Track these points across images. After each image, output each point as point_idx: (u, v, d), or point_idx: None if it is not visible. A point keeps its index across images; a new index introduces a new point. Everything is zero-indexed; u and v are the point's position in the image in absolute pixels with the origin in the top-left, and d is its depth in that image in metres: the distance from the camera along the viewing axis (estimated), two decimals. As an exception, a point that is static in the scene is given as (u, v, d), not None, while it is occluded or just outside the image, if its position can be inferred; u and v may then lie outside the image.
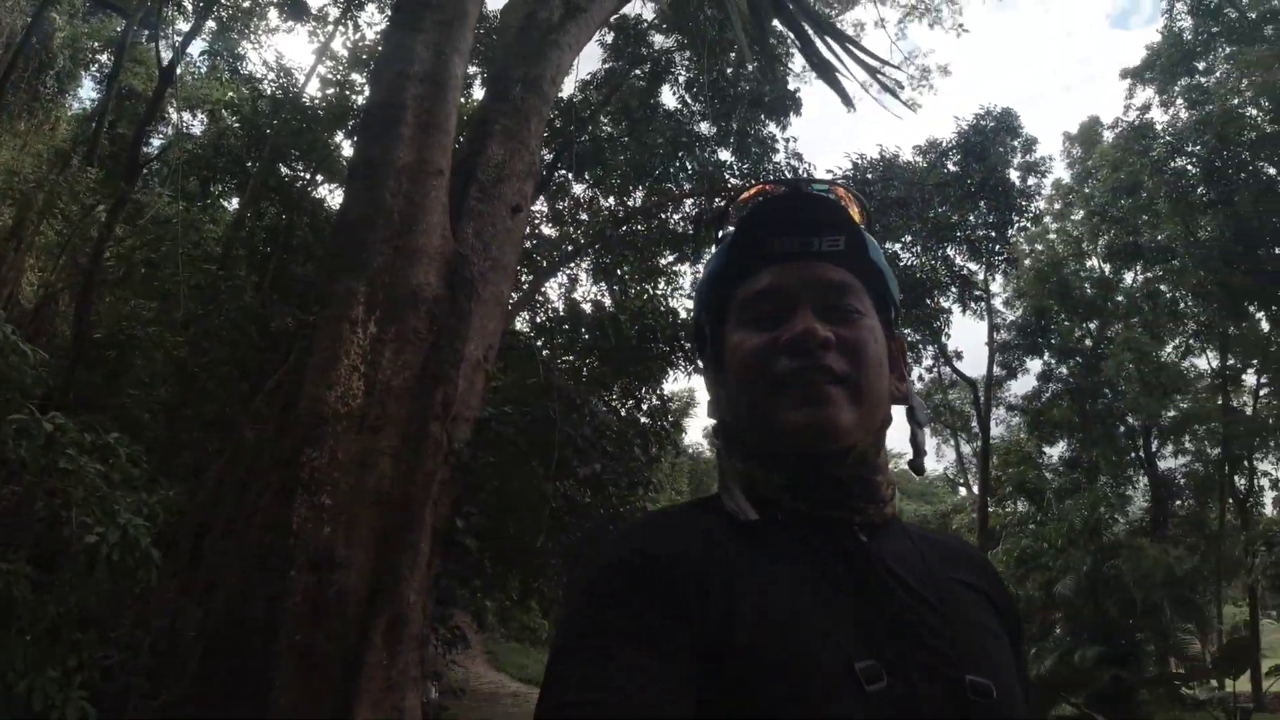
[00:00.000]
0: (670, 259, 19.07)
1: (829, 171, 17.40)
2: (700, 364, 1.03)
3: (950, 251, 18.12)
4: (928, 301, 18.00)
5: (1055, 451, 23.98)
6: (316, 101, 14.52)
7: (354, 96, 14.18)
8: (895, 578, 0.87)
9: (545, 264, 16.74)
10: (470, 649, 11.74)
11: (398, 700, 3.55)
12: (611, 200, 18.30)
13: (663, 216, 17.77)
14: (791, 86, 18.12)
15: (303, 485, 3.78)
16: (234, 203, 15.49)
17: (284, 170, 14.12)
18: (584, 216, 17.75)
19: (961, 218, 17.92)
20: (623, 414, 14.11)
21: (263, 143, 13.39)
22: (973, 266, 19.21)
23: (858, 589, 0.84)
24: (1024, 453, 24.35)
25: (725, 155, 17.42)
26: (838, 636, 0.79)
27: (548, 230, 17.53)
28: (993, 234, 18.19)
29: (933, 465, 41.48)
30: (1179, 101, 20.29)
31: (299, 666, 3.41)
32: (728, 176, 17.05)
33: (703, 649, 0.76)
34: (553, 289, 19.13)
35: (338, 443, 4.02)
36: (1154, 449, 22.69)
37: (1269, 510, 22.47)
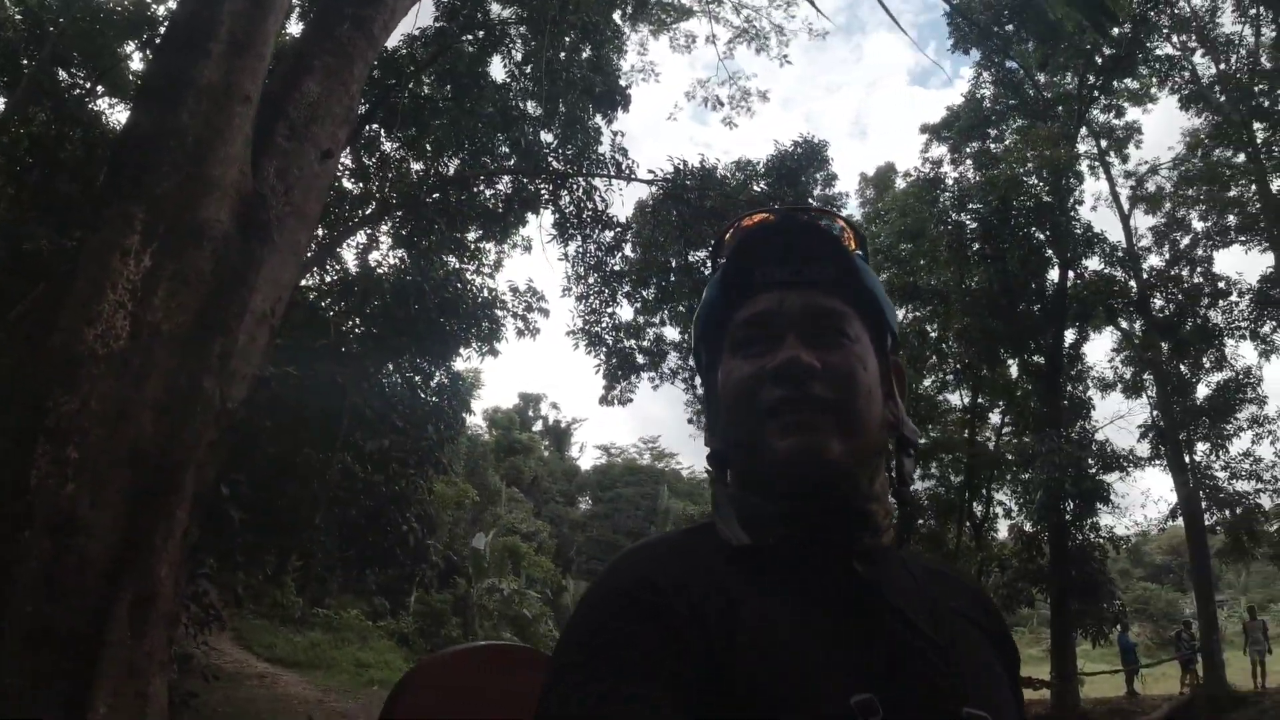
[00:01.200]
0: (477, 235, 18.64)
1: (650, 171, 17.63)
2: (700, 391, 1.03)
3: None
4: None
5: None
6: (113, 4, 12.86)
7: (156, 6, 12.69)
8: (892, 608, 0.86)
9: (344, 220, 15.79)
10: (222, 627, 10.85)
11: (142, 685, 3.11)
12: (422, 165, 17.59)
13: (476, 190, 17.33)
14: (624, 83, 18.26)
15: (46, 433, 3.22)
16: (-1, 102, 13.47)
17: (62, 75, 12.39)
18: (392, 176, 16.93)
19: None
20: (416, 390, 13.61)
21: (43, 40, 11.68)
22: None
23: (853, 620, 0.83)
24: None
25: (549, 137, 17.24)
26: (834, 668, 0.79)
27: (349, 184, 16.54)
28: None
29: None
30: (969, 161, 22.36)
31: (28, 644, 2.90)
32: (551, 159, 16.89)
33: (699, 679, 0.76)
34: (350, 249, 18.12)
35: (93, 388, 3.46)
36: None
37: (1002, 534, 25.23)
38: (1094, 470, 19.55)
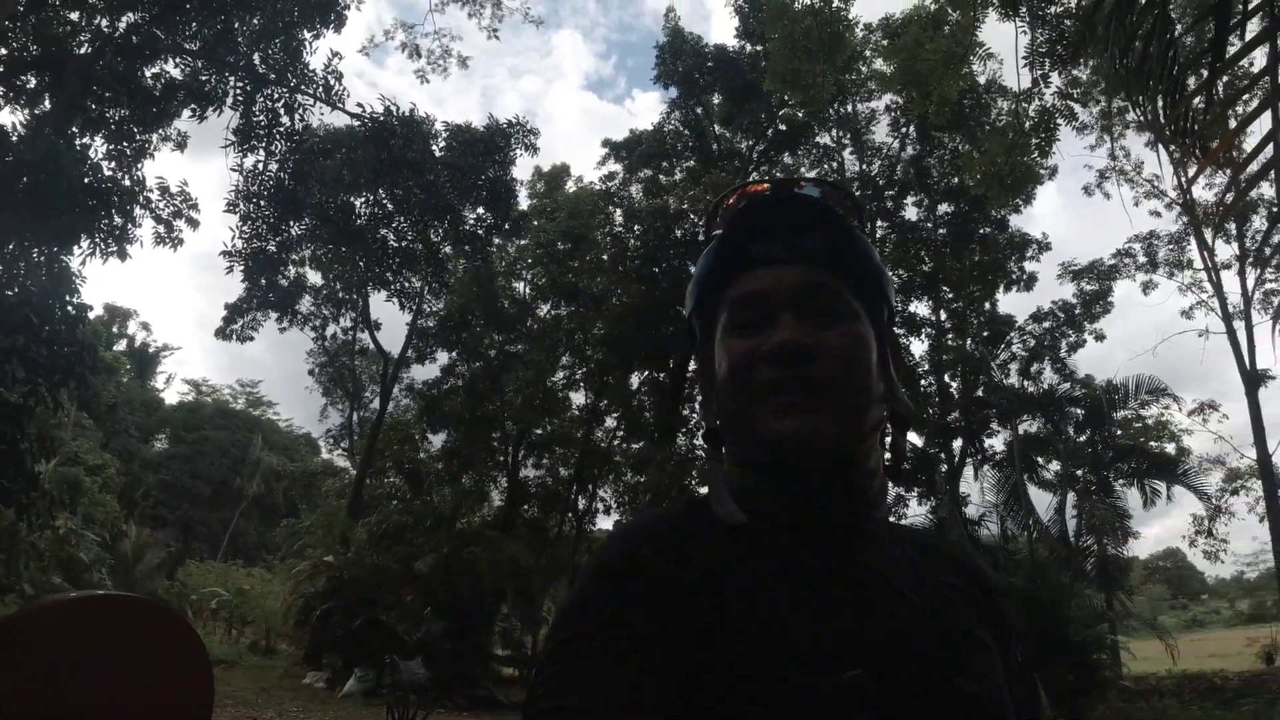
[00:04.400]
0: (123, 115, 15.54)
1: (359, 105, 16.33)
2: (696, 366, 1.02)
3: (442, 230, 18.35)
4: (405, 273, 18.04)
5: (439, 440, 25.50)
6: None
7: None
8: (884, 584, 0.87)
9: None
10: None
11: None
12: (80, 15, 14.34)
13: (146, 67, 14.56)
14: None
15: None
16: None
17: None
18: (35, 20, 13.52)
19: (461, 202, 18.36)
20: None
21: None
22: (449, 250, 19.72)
23: (845, 596, 0.85)
24: (409, 434, 25.40)
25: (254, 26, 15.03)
26: (824, 644, 0.80)
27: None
28: (489, 227, 19.03)
29: (313, 426, 40.43)
30: (639, 185, 24.02)
31: None
32: (255, 57, 14.79)
33: (686, 655, 0.77)
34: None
35: None
36: (520, 458, 25.72)
37: (602, 527, 27.25)
38: (694, 482, 22.13)
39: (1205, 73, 2.95)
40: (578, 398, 26.20)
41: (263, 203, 16.20)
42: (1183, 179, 21.89)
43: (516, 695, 17.69)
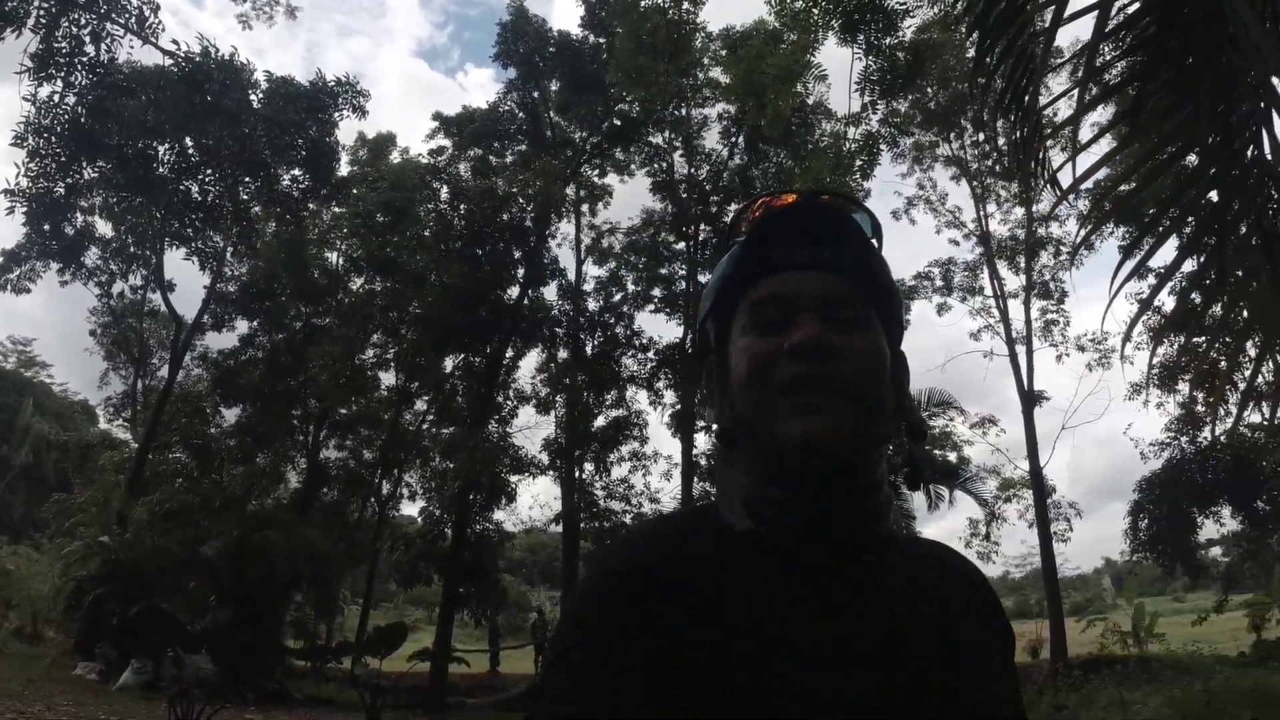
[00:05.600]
0: None
1: (174, 42, 14.85)
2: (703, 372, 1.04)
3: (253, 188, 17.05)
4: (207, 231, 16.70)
5: (233, 415, 23.67)
6: None
7: None
8: (885, 588, 0.88)
9: None
10: None
11: None
12: None
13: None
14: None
15: None
16: None
17: None
18: None
19: (277, 160, 17.16)
20: None
21: None
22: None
23: (846, 599, 0.85)
24: (200, 407, 23.44)
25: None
26: (824, 646, 0.81)
27: None
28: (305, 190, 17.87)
29: (91, 393, 36.13)
30: (467, 163, 23.40)
31: None
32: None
33: (683, 663, 0.78)
34: None
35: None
36: (321, 438, 24.36)
37: (406, 513, 26.17)
38: (505, 470, 21.81)
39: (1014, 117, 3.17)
40: (387, 378, 25.21)
41: (55, 139, 14.41)
42: (982, 214, 24.19)
43: (310, 689, 16.75)
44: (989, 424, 23.92)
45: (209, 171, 16.44)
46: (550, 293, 24.63)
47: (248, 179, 16.67)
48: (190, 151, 16.06)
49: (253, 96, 16.64)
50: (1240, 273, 2.73)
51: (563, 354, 23.98)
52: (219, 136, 15.89)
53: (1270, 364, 2.73)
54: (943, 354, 75.76)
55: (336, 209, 24.78)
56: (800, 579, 0.85)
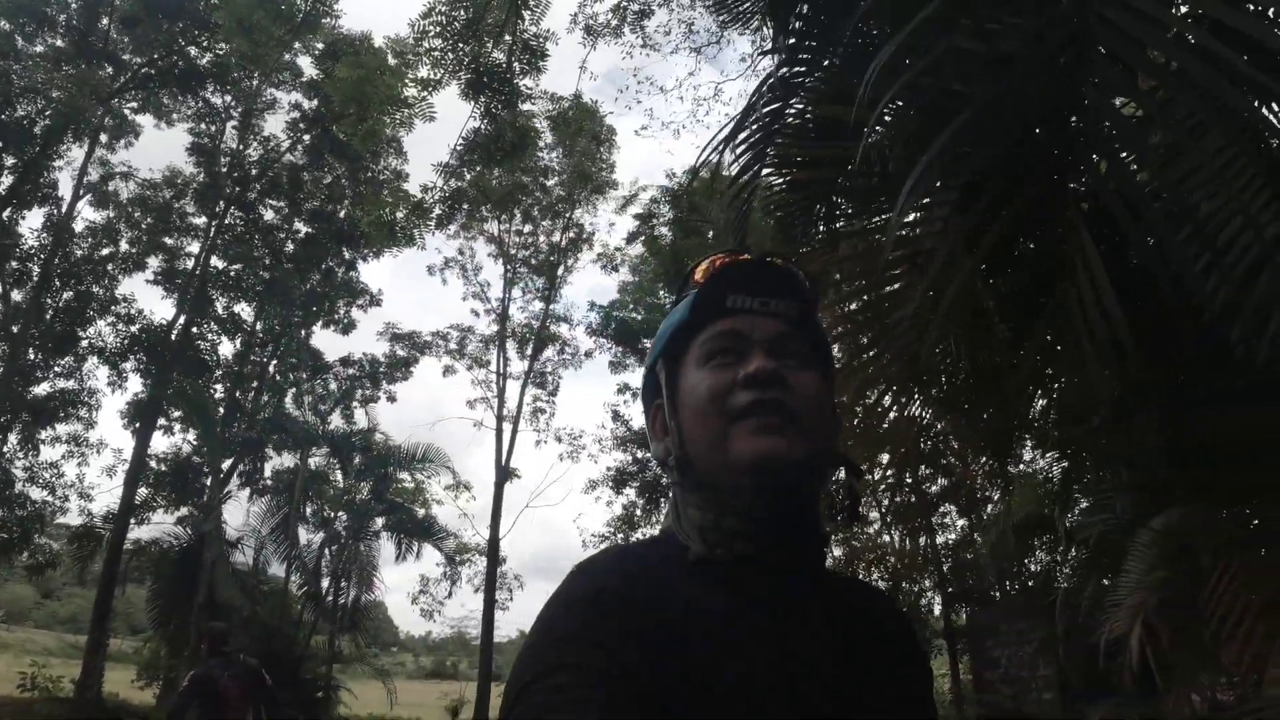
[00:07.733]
0: None
1: None
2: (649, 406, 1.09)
3: None
4: None
5: None
6: None
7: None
8: (825, 623, 0.93)
9: None
10: None
11: None
12: None
13: None
14: None
15: None
16: None
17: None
18: None
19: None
20: None
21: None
22: None
23: (793, 633, 0.90)
24: None
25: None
26: (778, 675, 0.85)
27: None
28: None
29: None
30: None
31: None
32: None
33: (647, 686, 0.79)
34: None
35: None
36: None
37: None
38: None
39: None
40: None
41: None
42: (507, 296, 25.71)
43: None
44: (465, 488, 24.84)
45: None
46: (35, 219, 19.90)
47: None
48: None
49: None
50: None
51: (17, 295, 19.26)
52: None
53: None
54: (434, 410, 79.00)
55: None
56: (755, 612, 0.89)
